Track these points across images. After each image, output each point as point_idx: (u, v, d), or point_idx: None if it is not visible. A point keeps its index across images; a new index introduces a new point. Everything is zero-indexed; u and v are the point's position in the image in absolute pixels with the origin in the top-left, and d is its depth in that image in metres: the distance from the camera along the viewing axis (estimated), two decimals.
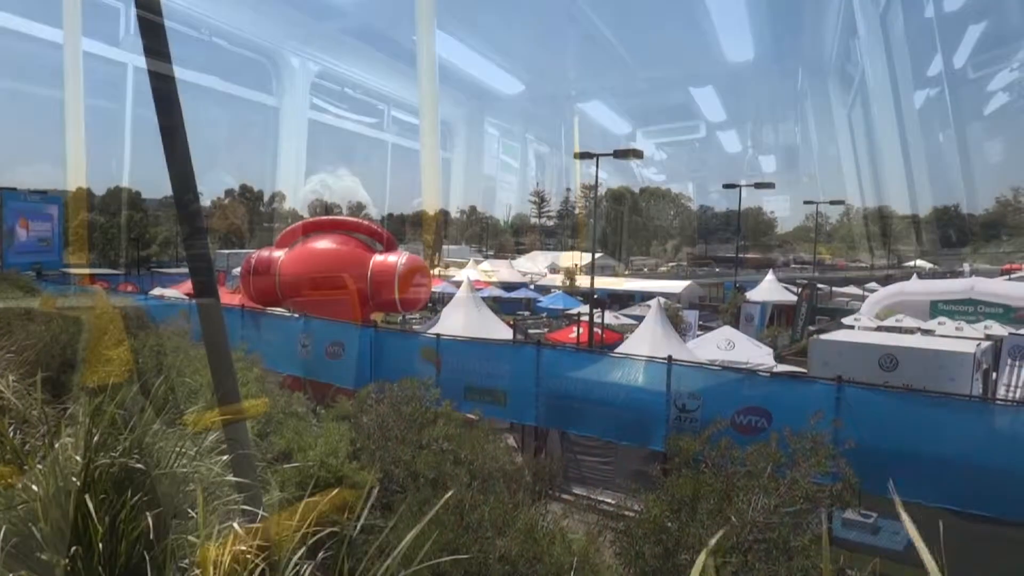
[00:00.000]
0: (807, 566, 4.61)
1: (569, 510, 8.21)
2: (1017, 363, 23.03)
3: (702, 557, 1.41)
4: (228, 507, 3.60)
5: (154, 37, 3.38)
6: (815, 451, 5.63)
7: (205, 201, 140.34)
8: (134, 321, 14.40)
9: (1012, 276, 47.84)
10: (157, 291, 30.93)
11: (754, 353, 21.92)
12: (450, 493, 4.54)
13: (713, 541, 1.59)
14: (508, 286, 53.22)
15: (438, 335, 16.40)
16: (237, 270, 28.19)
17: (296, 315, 18.29)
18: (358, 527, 3.05)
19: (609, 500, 9.68)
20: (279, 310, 19.72)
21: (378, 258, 18.90)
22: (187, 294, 22.36)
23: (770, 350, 24.21)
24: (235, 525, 3.04)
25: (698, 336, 26.43)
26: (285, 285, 19.09)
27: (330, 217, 26.20)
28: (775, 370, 19.60)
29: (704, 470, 5.70)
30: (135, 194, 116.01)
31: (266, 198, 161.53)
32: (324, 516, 4.34)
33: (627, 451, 13.37)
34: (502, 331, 21.29)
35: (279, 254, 19.66)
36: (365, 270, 18.63)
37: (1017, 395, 21.52)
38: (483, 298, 29.41)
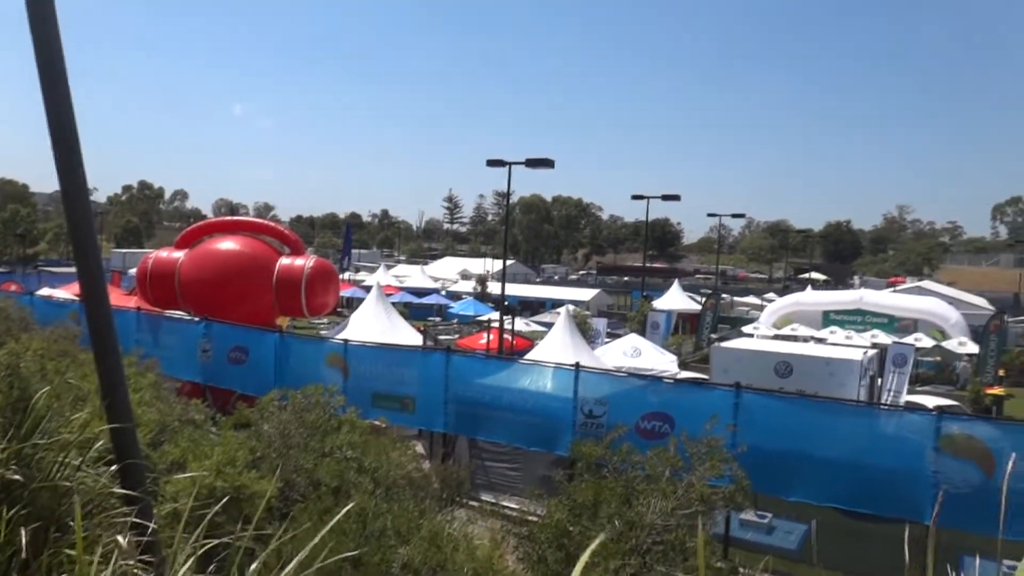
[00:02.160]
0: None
1: (474, 516, 8.20)
2: (899, 370, 24.50)
3: (585, 556, 1.43)
4: (114, 520, 3.43)
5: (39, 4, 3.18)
6: (710, 455, 5.84)
7: (100, 196, 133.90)
8: (17, 323, 13.57)
9: (896, 288, 50.84)
10: (45, 291, 29.29)
11: (659, 360, 22.50)
12: (351, 504, 4.45)
13: (596, 542, 1.61)
14: (419, 292, 52.98)
15: (346, 340, 16.13)
16: (133, 270, 26.97)
17: (196, 319, 17.63)
18: (248, 537, 2.96)
19: (514, 506, 9.72)
20: (178, 313, 18.97)
21: (284, 261, 18.43)
22: (77, 295, 21.20)
23: (675, 357, 24.92)
24: (119, 538, 2.89)
25: (606, 343, 26.93)
26: (185, 287, 18.36)
27: (234, 218, 25.41)
28: (679, 377, 20.19)
29: (606, 474, 5.81)
30: (22, 187, 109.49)
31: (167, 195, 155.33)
32: (219, 527, 4.20)
33: (535, 456, 13.45)
34: (412, 337, 21.11)
35: (179, 255, 18.92)
36: (271, 273, 18.14)
37: (899, 399, 22.88)
38: (393, 303, 29.17)
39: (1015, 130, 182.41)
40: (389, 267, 68.61)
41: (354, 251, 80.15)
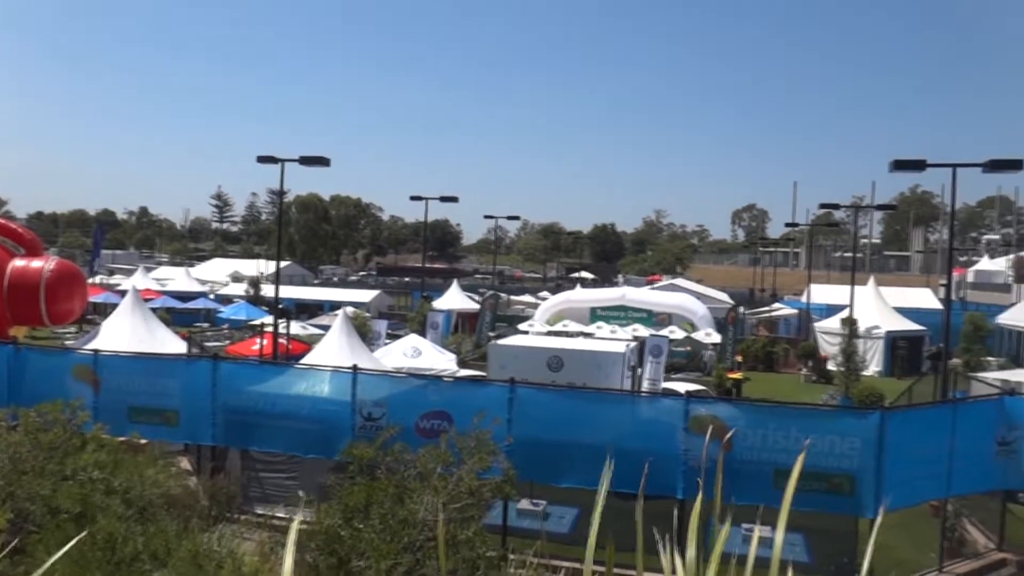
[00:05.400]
0: (472, 556, 4.89)
1: (246, 531, 7.76)
2: (656, 360, 26.78)
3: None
4: None
5: None
6: (479, 449, 5.99)
7: None
8: None
9: (654, 286, 55.56)
10: None
11: (439, 359, 22.76)
12: (84, 533, 4.01)
13: None
14: (184, 296, 49.39)
15: (96, 351, 14.66)
16: None
17: None
18: None
19: (284, 515, 9.36)
20: None
21: (19, 263, 16.31)
22: None
23: (454, 356, 25.34)
24: None
25: (386, 344, 26.77)
26: None
27: None
28: (458, 375, 20.57)
29: (379, 475, 5.76)
30: None
31: None
32: None
33: (313, 464, 13.06)
34: (175, 345, 19.61)
35: None
36: (1, 277, 15.96)
37: (657, 387, 25.02)
38: (153, 309, 27.04)
39: (751, 143, 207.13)
40: (149, 269, 63.25)
41: (106, 252, 73.04)
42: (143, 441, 12.29)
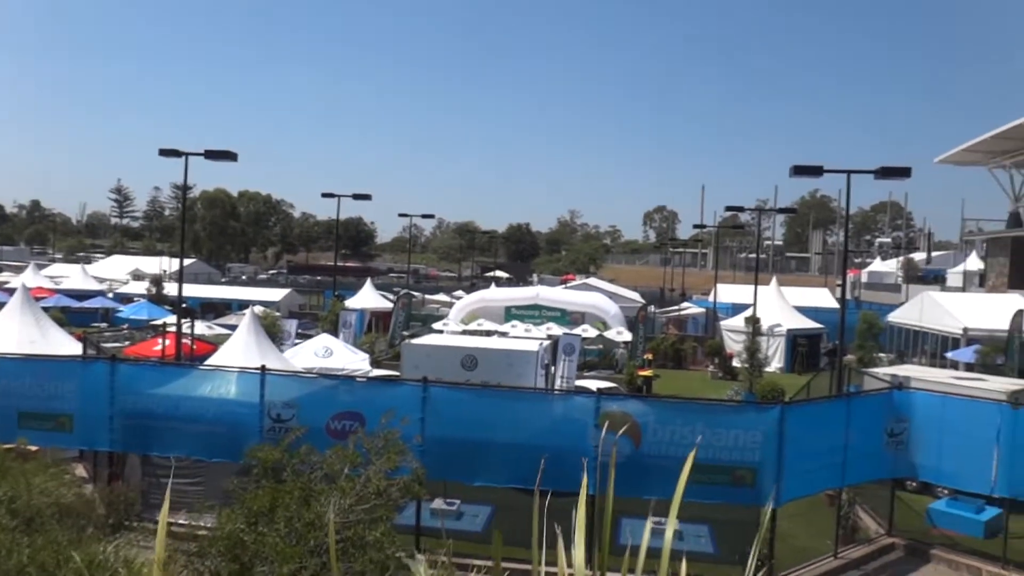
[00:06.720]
0: (381, 558, 4.84)
1: (146, 540, 7.43)
2: (569, 358, 27.12)
3: None
4: None
5: None
6: (387, 449, 5.94)
7: None
8: None
9: (568, 285, 56.25)
10: None
11: (352, 359, 22.40)
12: None
13: None
14: (80, 294, 46.98)
15: None
16: None
17: None
18: None
19: (184, 521, 9.04)
20: None
21: None
22: None
23: (367, 356, 24.99)
24: None
25: (296, 344, 26.17)
26: None
27: None
28: (371, 375, 20.31)
29: (285, 478, 5.63)
30: None
31: None
32: None
33: (220, 468, 12.63)
34: (69, 346, 18.65)
35: None
36: None
37: (570, 385, 25.33)
38: (46, 308, 25.70)
39: (662, 145, 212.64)
40: (41, 266, 59.84)
41: None
42: (33, 448, 11.67)
